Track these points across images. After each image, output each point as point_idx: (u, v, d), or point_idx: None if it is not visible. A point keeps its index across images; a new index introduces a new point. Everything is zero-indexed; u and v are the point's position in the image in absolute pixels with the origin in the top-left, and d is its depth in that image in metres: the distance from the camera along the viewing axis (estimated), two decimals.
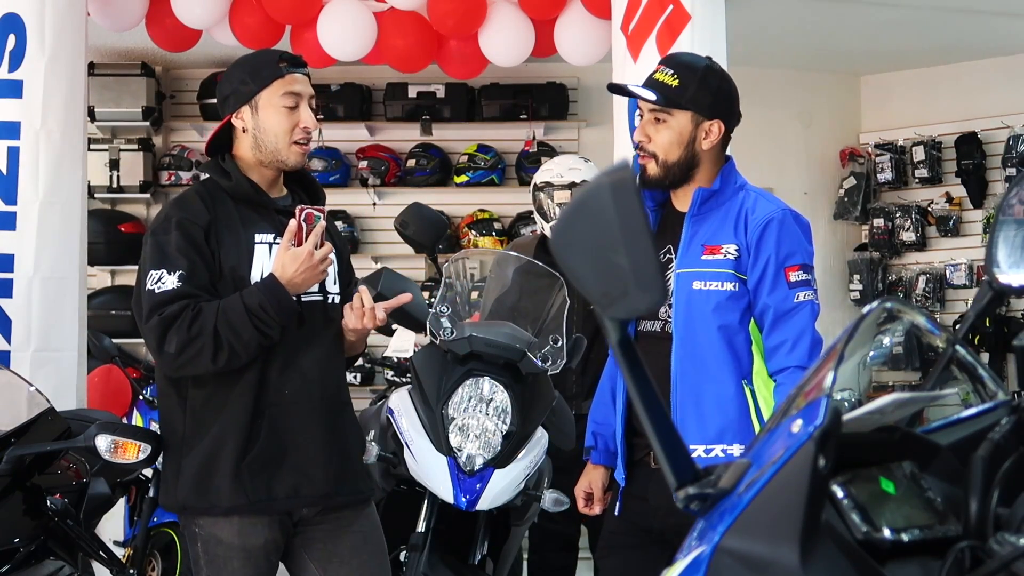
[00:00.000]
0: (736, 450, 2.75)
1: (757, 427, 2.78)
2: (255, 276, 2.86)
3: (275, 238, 2.89)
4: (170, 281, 2.78)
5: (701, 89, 2.86)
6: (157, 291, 2.78)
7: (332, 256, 2.92)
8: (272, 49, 3.03)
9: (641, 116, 2.93)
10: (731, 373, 2.82)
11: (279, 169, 2.96)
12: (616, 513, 3.00)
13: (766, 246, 2.83)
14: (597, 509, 3.10)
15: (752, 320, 2.86)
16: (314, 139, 2.96)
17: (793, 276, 2.82)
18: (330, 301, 3.00)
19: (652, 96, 2.86)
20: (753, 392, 2.81)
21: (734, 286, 2.83)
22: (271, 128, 2.89)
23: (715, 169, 2.94)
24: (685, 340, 2.85)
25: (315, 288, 2.93)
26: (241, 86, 2.91)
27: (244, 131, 2.92)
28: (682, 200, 2.98)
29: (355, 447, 3.05)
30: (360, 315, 2.90)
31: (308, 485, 2.89)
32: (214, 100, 7.51)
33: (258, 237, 2.90)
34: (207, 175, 2.98)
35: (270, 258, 2.87)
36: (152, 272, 2.80)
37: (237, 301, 2.79)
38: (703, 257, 2.85)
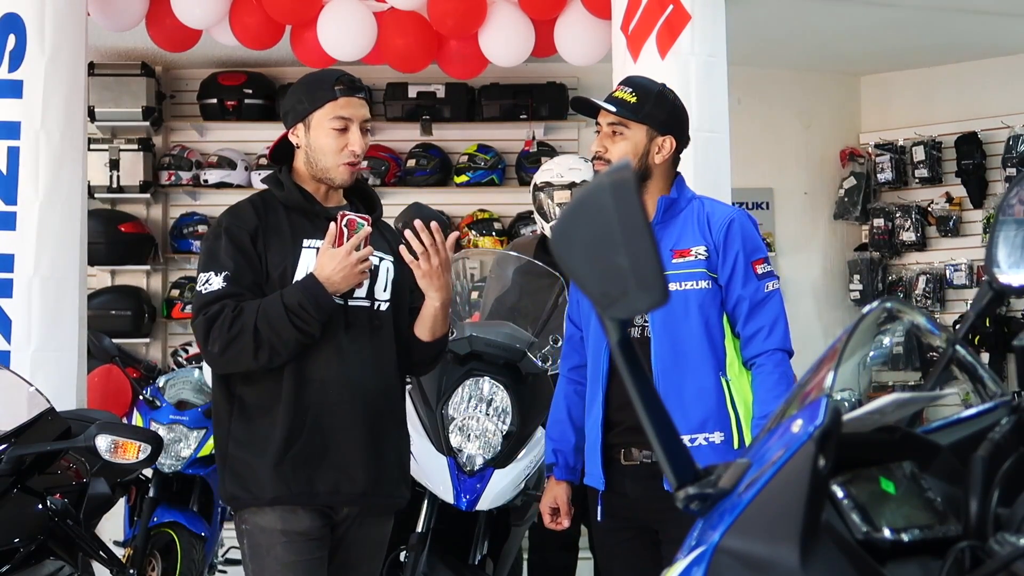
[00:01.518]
0: (717, 437, 2.96)
1: (732, 415, 2.97)
2: (298, 278, 2.96)
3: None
4: (216, 282, 2.92)
5: (656, 107, 3.07)
6: (204, 292, 2.93)
7: (387, 262, 3.05)
8: (334, 70, 3.16)
9: (599, 130, 3.11)
10: (710, 366, 3.00)
11: (329, 184, 3.08)
12: (599, 519, 3.06)
13: (733, 243, 3.04)
14: (565, 523, 3.20)
15: (724, 315, 3.05)
16: (362, 162, 3.09)
17: (760, 269, 3.05)
18: (376, 308, 3.05)
19: (613, 108, 3.05)
20: (728, 383, 3.00)
21: (708, 284, 3.02)
22: (320, 148, 3.02)
23: (665, 183, 3.11)
24: (663, 339, 3.00)
25: (362, 293, 3.02)
26: (297, 104, 3.06)
27: (298, 147, 3.06)
28: None
29: (395, 453, 3.10)
30: (425, 257, 2.94)
31: (348, 483, 2.96)
32: (214, 100, 7.57)
33: (306, 242, 3.01)
34: (266, 186, 3.14)
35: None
36: (202, 275, 2.96)
37: (277, 300, 2.90)
38: (674, 261, 3.03)
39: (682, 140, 3.12)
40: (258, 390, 2.97)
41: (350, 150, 3.01)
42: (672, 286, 2.97)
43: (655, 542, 3.05)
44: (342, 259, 2.89)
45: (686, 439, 2.92)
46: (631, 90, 3.08)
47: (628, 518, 3.06)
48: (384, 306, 3.07)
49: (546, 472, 3.25)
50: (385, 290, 3.07)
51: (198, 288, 2.97)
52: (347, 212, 2.98)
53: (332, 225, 2.93)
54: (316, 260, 2.94)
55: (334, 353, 2.97)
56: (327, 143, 3.01)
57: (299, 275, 2.96)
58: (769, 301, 3.03)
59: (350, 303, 2.99)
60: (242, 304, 2.90)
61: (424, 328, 3.08)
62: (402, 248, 2.98)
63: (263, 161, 7.36)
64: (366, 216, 2.99)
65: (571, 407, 3.21)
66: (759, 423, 2.91)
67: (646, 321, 3.02)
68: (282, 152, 3.13)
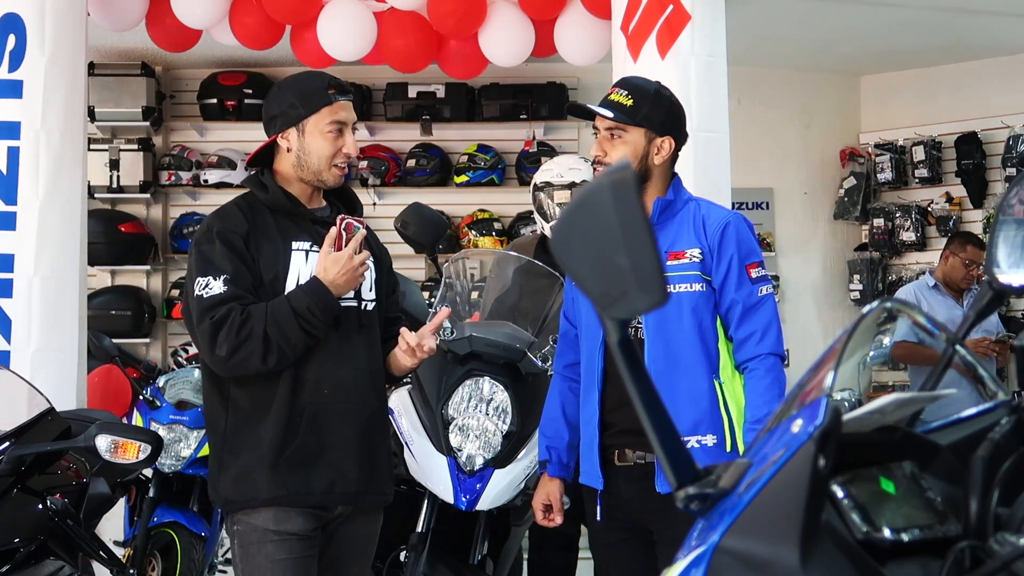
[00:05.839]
0: (709, 440, 2.95)
1: (725, 418, 2.96)
2: (291, 281, 3.00)
3: (311, 246, 3.03)
4: (216, 285, 2.91)
5: (654, 108, 3.05)
6: (205, 296, 2.92)
7: (370, 263, 3.08)
8: (322, 73, 3.18)
9: (597, 134, 3.11)
10: (703, 369, 2.99)
11: (318, 187, 3.11)
12: (598, 518, 3.08)
13: (727, 247, 3.02)
14: (558, 520, 3.22)
15: (718, 318, 3.04)
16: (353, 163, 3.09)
17: (754, 273, 3.03)
18: (363, 308, 3.11)
19: (610, 114, 3.03)
20: (721, 386, 2.99)
21: (702, 287, 3.01)
22: (315, 152, 3.04)
23: (664, 184, 3.10)
24: (657, 341, 2.99)
25: (350, 294, 3.06)
26: (290, 109, 3.05)
27: (288, 150, 3.06)
28: None
29: (384, 450, 3.17)
30: (411, 352, 3.07)
31: (343, 482, 3.00)
32: (214, 100, 7.57)
33: (295, 245, 3.03)
34: (247, 189, 3.13)
35: (306, 264, 3.01)
36: (199, 279, 2.94)
37: (284, 304, 2.93)
38: (668, 263, 3.01)
39: (680, 139, 3.10)
40: (252, 393, 2.99)
41: (345, 153, 3.05)
42: None
43: (650, 543, 3.05)
44: (345, 262, 2.95)
45: None
46: (627, 92, 3.06)
47: (623, 519, 3.07)
48: (371, 305, 3.12)
49: (539, 469, 3.27)
50: (371, 290, 3.13)
51: (197, 293, 2.93)
52: (346, 216, 3.03)
53: (333, 229, 2.98)
54: (318, 263, 2.98)
55: (326, 354, 3.01)
56: (323, 147, 3.03)
57: (291, 277, 3.00)
58: (762, 305, 3.02)
59: (340, 303, 3.03)
60: (248, 308, 2.91)
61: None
62: (396, 351, 3.10)
63: None
64: (360, 220, 3.06)
65: (565, 404, 3.22)
66: (752, 428, 2.90)
67: (639, 323, 3.02)
68: (258, 156, 3.14)
